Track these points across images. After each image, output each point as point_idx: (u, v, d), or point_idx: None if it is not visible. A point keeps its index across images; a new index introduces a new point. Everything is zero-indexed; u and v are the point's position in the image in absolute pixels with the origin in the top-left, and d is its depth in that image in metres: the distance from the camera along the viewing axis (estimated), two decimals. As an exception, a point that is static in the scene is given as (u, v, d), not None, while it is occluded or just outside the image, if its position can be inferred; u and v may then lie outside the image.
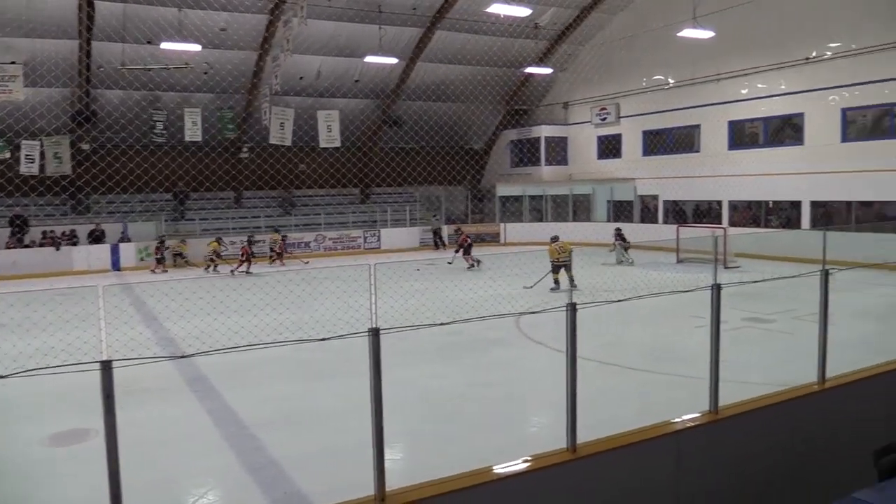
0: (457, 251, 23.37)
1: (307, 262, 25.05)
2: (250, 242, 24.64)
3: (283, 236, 26.94)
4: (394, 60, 27.51)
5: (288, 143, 26.79)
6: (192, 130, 25.90)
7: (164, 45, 22.44)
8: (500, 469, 4.45)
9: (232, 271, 22.71)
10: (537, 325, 12.73)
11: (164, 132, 27.29)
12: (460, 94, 31.05)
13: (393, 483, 4.14)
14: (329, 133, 28.40)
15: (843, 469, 5.74)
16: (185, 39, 22.50)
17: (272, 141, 26.54)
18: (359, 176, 32.31)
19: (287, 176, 29.33)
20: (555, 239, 17.76)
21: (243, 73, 27.52)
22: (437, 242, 30.61)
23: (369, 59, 26.51)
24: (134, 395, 8.80)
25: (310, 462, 7.06)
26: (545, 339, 11.76)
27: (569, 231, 26.67)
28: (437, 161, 32.73)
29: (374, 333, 3.96)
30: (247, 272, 22.76)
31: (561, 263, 17.10)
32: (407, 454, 7.34)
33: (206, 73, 26.20)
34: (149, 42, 23.40)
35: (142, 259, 25.60)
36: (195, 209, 29.83)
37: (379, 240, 30.45)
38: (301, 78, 28.80)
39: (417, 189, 33.86)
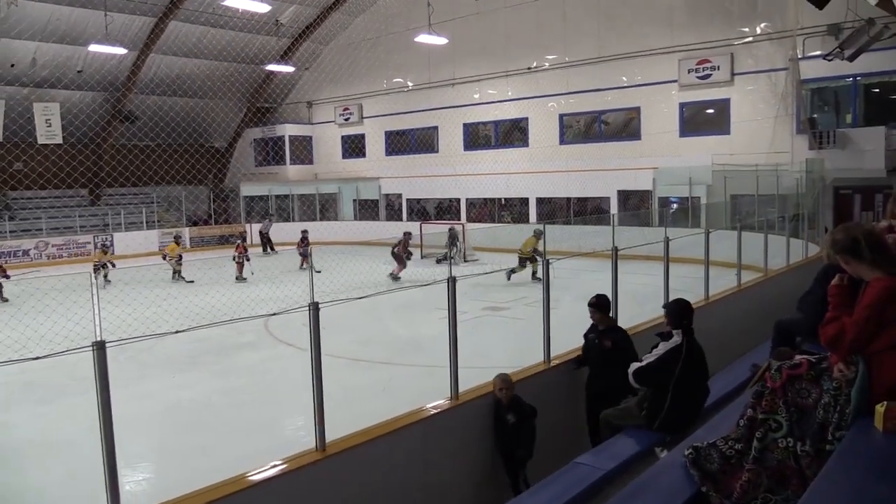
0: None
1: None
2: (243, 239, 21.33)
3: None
4: (123, 51, 25.43)
5: (-2, 138, 23.69)
6: None
7: None
8: (252, 476, 4.37)
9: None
10: (286, 325, 12.60)
11: None
12: (200, 89, 29.55)
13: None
14: (49, 128, 25.60)
15: (569, 437, 6.43)
16: None
17: (-22, 136, 23.29)
18: (88, 175, 29.36)
19: (0, 175, 25.98)
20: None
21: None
22: (267, 246, 27.24)
23: (94, 47, 24.24)
24: None
25: (40, 496, 6.39)
26: (294, 340, 11.69)
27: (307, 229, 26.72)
28: (177, 159, 30.85)
29: (100, 347, 3.66)
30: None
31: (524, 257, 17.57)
32: (154, 472, 6.93)
33: None
34: None
35: None
36: None
37: (112, 245, 27.99)
38: (12, 65, 25.54)
39: (155, 189, 31.68)
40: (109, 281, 18.93)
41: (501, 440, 5.84)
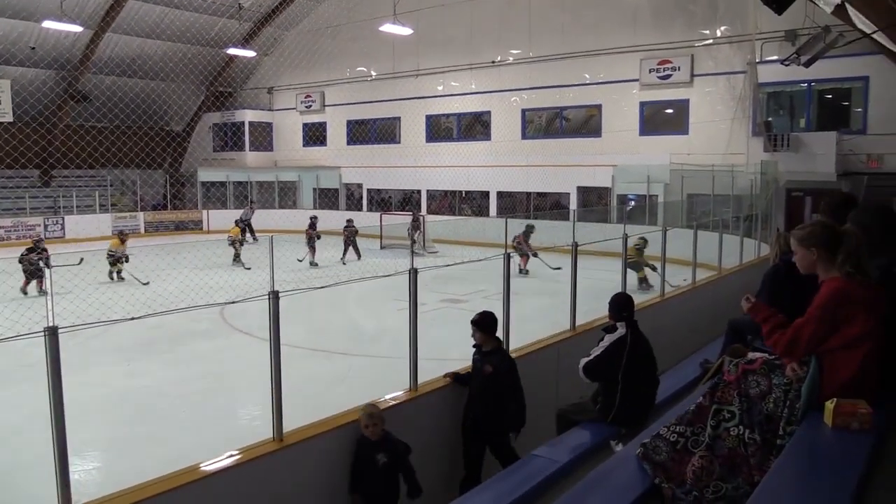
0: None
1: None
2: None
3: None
4: (78, 28, 24.71)
5: (-57, 115, 22.88)
6: None
7: None
8: (206, 466, 4.31)
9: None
10: (242, 314, 12.49)
11: None
12: (157, 71, 28.93)
13: (85, 496, 3.82)
14: (-2, 105, 24.86)
15: (527, 430, 6.46)
16: None
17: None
18: (40, 156, 28.51)
19: (-56, 154, 25.18)
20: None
21: None
22: (246, 233, 25.19)
23: (48, 24, 23.51)
24: None
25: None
26: (251, 329, 11.59)
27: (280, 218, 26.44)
28: (133, 142, 30.22)
29: (52, 333, 3.57)
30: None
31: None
32: (104, 462, 6.80)
33: None
34: None
35: None
36: None
37: (63, 228, 27.31)
38: (-40, 40, 24.76)
39: (110, 172, 30.95)
40: (123, 278, 16.95)
41: (369, 485, 4.89)
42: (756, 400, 3.18)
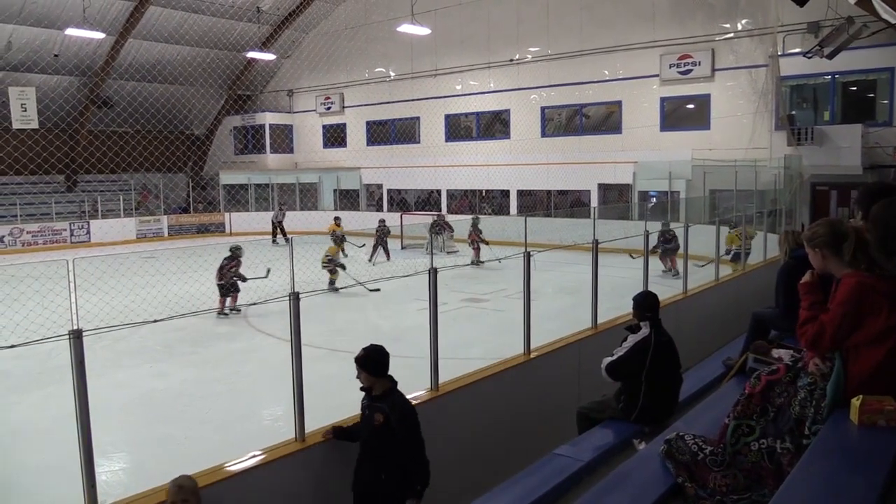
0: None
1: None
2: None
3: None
4: (100, 35, 25.02)
5: (-29, 122, 23.29)
6: None
7: None
8: (231, 466, 4.35)
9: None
10: (265, 316, 12.56)
11: None
12: (178, 76, 29.18)
13: (111, 496, 3.86)
14: (24, 113, 25.23)
15: (548, 429, 6.45)
16: None
17: (-50, 119, 22.88)
18: (64, 161, 28.89)
19: (-26, 161, 25.58)
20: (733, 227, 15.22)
21: None
22: (277, 236, 26.31)
23: (71, 31, 23.87)
24: None
25: (13, 487, 6.32)
26: (273, 330, 11.65)
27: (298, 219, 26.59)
28: (155, 146, 30.55)
29: (77, 336, 3.62)
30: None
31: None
32: (130, 463, 6.87)
33: None
34: None
35: None
36: None
37: (89, 232, 27.67)
38: (-13, 48, 25.16)
39: (133, 176, 31.29)
40: (337, 289, 15.73)
41: None
42: (784, 408, 3.13)
